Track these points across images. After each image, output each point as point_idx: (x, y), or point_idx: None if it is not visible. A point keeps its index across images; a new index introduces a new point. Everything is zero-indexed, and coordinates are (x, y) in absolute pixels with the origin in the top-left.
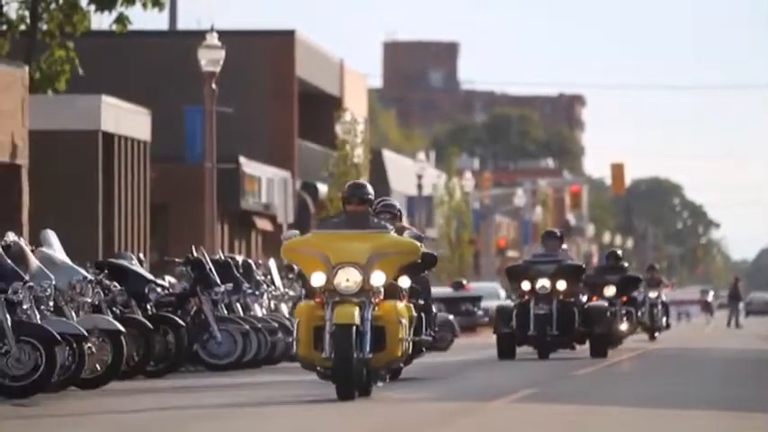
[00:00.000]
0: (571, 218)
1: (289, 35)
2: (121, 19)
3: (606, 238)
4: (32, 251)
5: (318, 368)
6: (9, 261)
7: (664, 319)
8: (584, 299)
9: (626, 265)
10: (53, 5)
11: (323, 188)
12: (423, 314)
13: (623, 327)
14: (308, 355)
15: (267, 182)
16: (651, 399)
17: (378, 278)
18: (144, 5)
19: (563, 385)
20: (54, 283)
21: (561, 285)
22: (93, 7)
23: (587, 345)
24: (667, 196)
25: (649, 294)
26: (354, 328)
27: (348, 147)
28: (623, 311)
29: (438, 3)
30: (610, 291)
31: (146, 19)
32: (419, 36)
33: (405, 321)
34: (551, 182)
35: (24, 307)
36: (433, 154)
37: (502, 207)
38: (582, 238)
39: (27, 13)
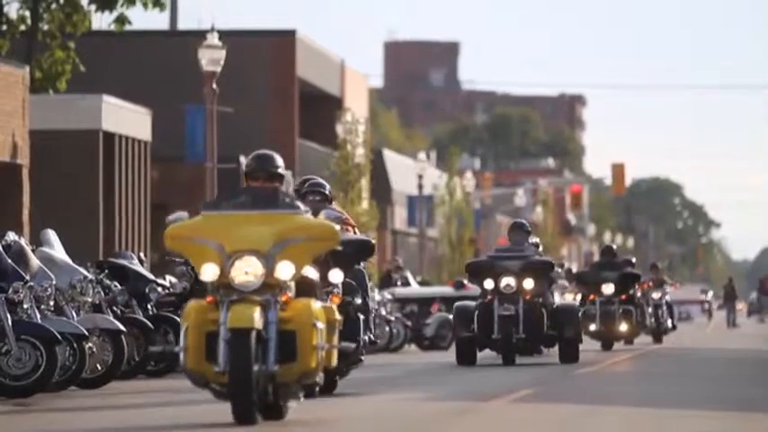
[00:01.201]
0: (572, 218)
1: (289, 35)
2: (121, 19)
3: (607, 237)
4: (33, 251)
5: (212, 385)
6: (9, 261)
7: (669, 321)
8: (579, 298)
9: (633, 260)
10: (54, 5)
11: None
12: (360, 315)
13: (622, 327)
14: (199, 369)
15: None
16: (652, 398)
17: (285, 270)
18: (144, 5)
19: (563, 385)
20: (54, 282)
21: (528, 284)
22: (93, 7)
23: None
24: (668, 196)
25: (653, 295)
26: (255, 333)
27: (349, 147)
28: (621, 310)
29: (439, 3)
30: (608, 289)
31: (146, 19)
32: (420, 36)
33: (321, 324)
34: (552, 182)
35: (25, 306)
36: (433, 154)
37: (503, 207)
38: (583, 238)
39: (28, 13)
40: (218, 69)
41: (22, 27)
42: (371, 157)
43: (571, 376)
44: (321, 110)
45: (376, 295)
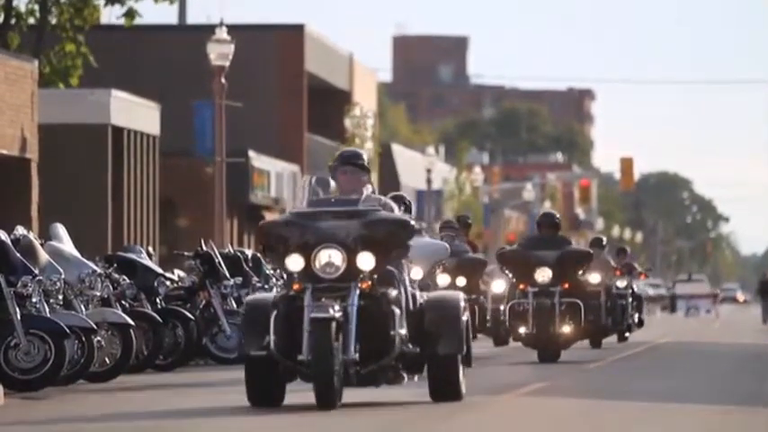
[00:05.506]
0: (580, 212)
1: (298, 29)
2: (130, 13)
3: (615, 232)
4: (42, 245)
5: None
6: (18, 255)
7: (636, 315)
8: (500, 287)
9: (605, 239)
10: None
11: (332, 182)
12: None
13: (565, 329)
14: None
15: (276, 176)
16: (663, 393)
17: None
18: None
19: (574, 379)
20: (63, 276)
21: (366, 262)
22: (103, 1)
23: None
24: (676, 191)
25: (617, 284)
26: None
27: (357, 141)
28: (563, 306)
29: None
30: (544, 274)
31: (155, 13)
32: (429, 30)
33: None
34: (560, 176)
35: (34, 300)
36: (442, 148)
37: (511, 201)
38: (591, 233)
39: (37, 7)
40: (227, 64)
41: (31, 20)
42: (380, 151)
43: (582, 370)
44: (330, 104)
45: None
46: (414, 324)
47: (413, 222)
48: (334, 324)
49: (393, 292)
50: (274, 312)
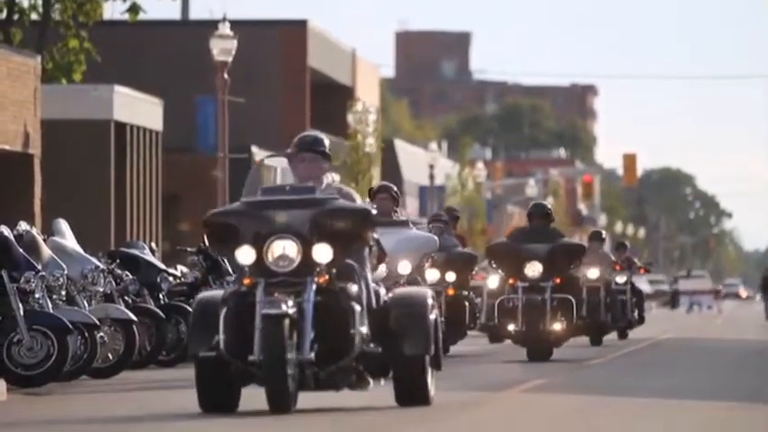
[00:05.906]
0: (583, 208)
1: (301, 25)
2: (134, 8)
3: (618, 227)
4: (44, 240)
5: None
6: (21, 250)
7: (635, 312)
8: (496, 282)
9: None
10: None
11: (335, 178)
12: None
13: (556, 326)
14: None
15: (281, 171)
16: (665, 389)
17: None
18: None
19: (575, 376)
20: (66, 272)
21: (323, 254)
22: None
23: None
24: (679, 186)
25: (616, 279)
26: None
27: (360, 136)
28: (554, 301)
29: None
30: (534, 268)
31: (158, 9)
32: (431, 26)
33: None
34: (563, 172)
35: (36, 296)
36: (445, 144)
37: (514, 197)
38: (594, 228)
39: (40, 2)
40: (230, 59)
41: (34, 16)
42: (382, 146)
43: (583, 366)
44: (332, 100)
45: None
46: (377, 322)
47: (374, 212)
48: (287, 321)
49: (353, 288)
50: (224, 310)
